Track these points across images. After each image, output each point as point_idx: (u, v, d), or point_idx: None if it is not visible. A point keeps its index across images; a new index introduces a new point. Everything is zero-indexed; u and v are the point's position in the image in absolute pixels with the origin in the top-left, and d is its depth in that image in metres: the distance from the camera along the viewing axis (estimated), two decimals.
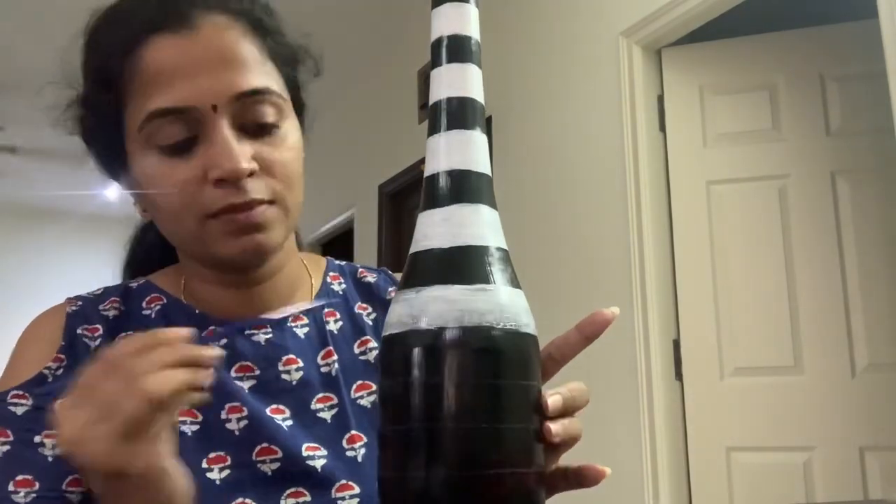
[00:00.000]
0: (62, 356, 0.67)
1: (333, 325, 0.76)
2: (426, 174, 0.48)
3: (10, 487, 0.61)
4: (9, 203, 6.64)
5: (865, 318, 2.41)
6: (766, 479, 2.43)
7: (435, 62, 0.49)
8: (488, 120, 3.39)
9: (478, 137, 0.48)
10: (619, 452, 2.55)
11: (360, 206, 4.66)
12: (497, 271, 0.46)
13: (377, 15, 4.00)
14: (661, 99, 2.70)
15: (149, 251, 0.83)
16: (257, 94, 0.65)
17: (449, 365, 0.43)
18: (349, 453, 0.70)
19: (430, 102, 0.49)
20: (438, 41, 0.48)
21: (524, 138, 3.20)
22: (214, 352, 0.51)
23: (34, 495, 0.61)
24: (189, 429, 0.67)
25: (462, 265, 0.45)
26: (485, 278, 0.45)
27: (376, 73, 4.48)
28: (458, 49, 0.48)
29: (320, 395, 0.71)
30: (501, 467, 0.43)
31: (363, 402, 0.73)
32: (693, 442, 2.51)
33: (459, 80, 0.48)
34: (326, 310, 0.77)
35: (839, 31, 2.58)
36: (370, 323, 0.78)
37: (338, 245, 5.03)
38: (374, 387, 0.74)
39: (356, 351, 0.76)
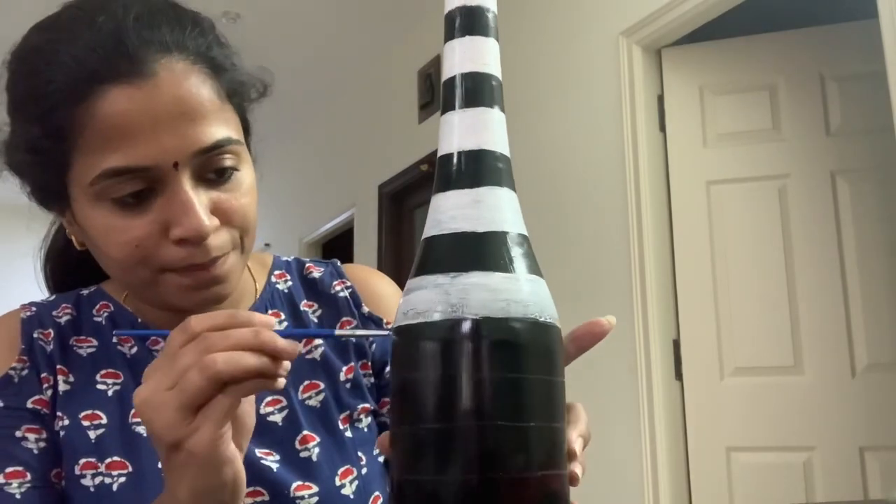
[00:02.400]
0: (24, 358, 0.68)
1: (278, 328, 0.76)
2: (440, 153, 0.45)
3: (2, 479, 0.62)
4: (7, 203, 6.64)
5: (865, 318, 2.41)
6: (766, 479, 2.43)
7: (449, 35, 0.45)
8: None
9: (496, 115, 0.45)
10: (619, 452, 2.55)
11: (360, 206, 4.66)
12: (518, 258, 0.43)
13: (377, 15, 4.00)
14: (661, 99, 2.70)
15: (76, 264, 0.79)
16: (219, 147, 0.62)
17: (468, 358, 0.40)
18: (303, 454, 0.69)
19: (444, 78, 0.45)
20: (452, 14, 0.45)
21: (524, 138, 3.20)
22: (294, 346, 0.48)
23: (27, 485, 0.62)
24: (143, 429, 0.66)
25: (480, 252, 0.42)
26: (505, 266, 0.42)
27: (376, 73, 4.48)
28: (475, 22, 0.44)
29: (269, 399, 0.71)
30: (526, 469, 0.40)
31: (312, 402, 0.73)
32: (693, 442, 2.51)
33: (476, 55, 0.44)
34: (270, 310, 0.76)
35: (839, 31, 2.58)
36: (315, 321, 0.77)
37: (338, 245, 5.03)
38: (322, 386, 0.73)
39: (302, 351, 0.75)
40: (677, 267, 2.60)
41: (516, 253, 0.43)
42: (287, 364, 0.49)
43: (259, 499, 0.66)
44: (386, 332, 0.50)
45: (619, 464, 2.56)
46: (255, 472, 0.66)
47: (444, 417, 0.40)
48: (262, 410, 0.70)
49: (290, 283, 0.79)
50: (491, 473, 0.39)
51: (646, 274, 2.54)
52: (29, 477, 0.63)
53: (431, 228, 0.44)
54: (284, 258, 0.83)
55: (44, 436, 0.65)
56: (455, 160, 0.44)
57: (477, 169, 0.44)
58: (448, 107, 0.45)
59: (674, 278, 2.60)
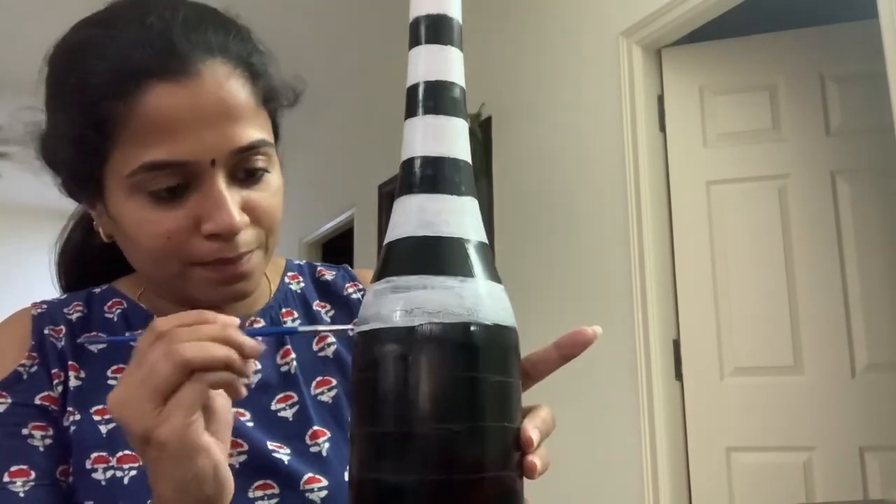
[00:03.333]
0: (34, 354, 0.69)
1: (291, 325, 0.77)
2: (403, 158, 0.46)
3: (6, 478, 0.63)
4: (7, 203, 6.66)
5: (865, 318, 2.41)
6: (766, 479, 2.43)
7: (413, 42, 0.46)
8: (488, 120, 3.39)
9: (459, 124, 0.46)
10: (619, 452, 2.56)
11: (360, 206, 4.66)
12: (476, 264, 0.44)
13: (377, 15, 4.00)
14: (661, 99, 2.70)
15: (92, 261, 0.81)
16: (254, 148, 0.65)
17: (423, 361, 0.41)
18: (313, 449, 0.71)
19: (408, 84, 0.46)
20: (417, 21, 0.46)
21: (524, 138, 3.20)
22: (258, 346, 0.50)
23: (31, 484, 0.63)
24: None
25: (439, 257, 0.43)
26: (463, 271, 0.43)
27: (377, 72, 4.48)
28: (440, 30, 0.46)
29: (280, 395, 0.72)
30: (480, 470, 0.41)
31: (323, 397, 0.74)
32: (693, 442, 2.51)
33: (441, 63, 0.45)
34: (284, 309, 0.78)
35: (839, 31, 2.59)
36: (328, 321, 0.80)
37: (338, 245, 5.04)
38: (335, 382, 0.75)
39: (314, 348, 0.77)
40: (677, 267, 2.60)
41: (475, 259, 0.44)
42: (252, 364, 0.51)
43: (269, 491, 0.67)
44: (347, 327, 0.53)
45: (619, 464, 2.56)
46: (267, 464, 0.68)
47: (401, 419, 0.41)
48: (274, 407, 0.72)
49: (302, 284, 0.82)
50: (446, 474, 0.40)
51: (646, 274, 2.54)
52: (33, 475, 0.63)
53: (393, 233, 0.45)
54: (297, 261, 0.85)
55: (50, 433, 0.66)
56: (417, 166, 0.45)
57: (438, 176, 0.44)
58: (411, 113, 0.46)
59: (674, 278, 2.60)
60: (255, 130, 0.65)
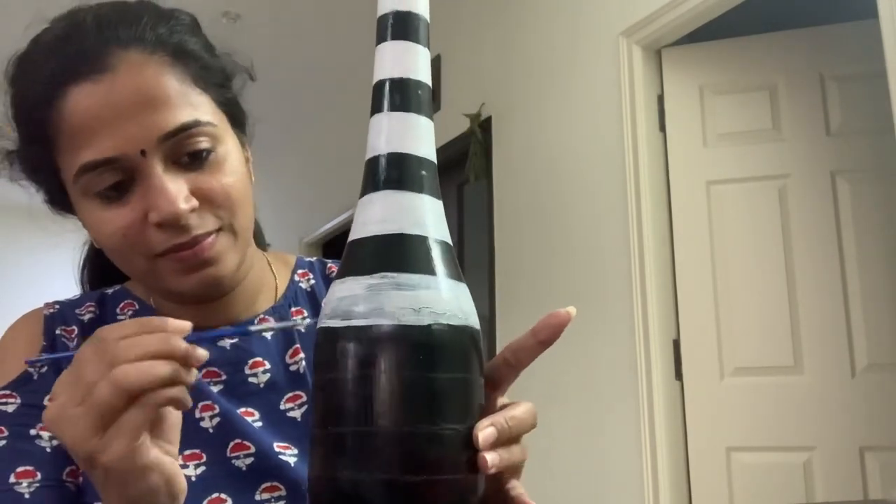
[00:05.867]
0: (45, 355, 0.69)
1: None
2: (367, 156, 0.45)
3: (12, 479, 0.63)
4: (8, 203, 6.65)
5: (865, 318, 2.41)
6: (766, 479, 2.43)
7: (380, 38, 0.46)
8: (488, 120, 3.39)
9: (423, 122, 0.45)
10: (619, 452, 2.56)
11: None
12: (438, 262, 0.43)
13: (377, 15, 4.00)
14: (661, 99, 2.70)
15: (108, 271, 0.82)
16: (185, 130, 0.63)
17: (381, 361, 0.41)
18: None
19: (374, 81, 0.46)
20: (384, 18, 0.46)
21: (524, 138, 3.20)
22: (202, 353, 0.49)
23: (37, 485, 0.63)
24: None
25: (401, 255, 0.43)
26: (425, 270, 0.43)
27: None
28: (406, 27, 0.45)
29: (289, 395, 0.72)
30: (436, 472, 0.41)
31: None
32: (693, 442, 2.51)
33: (407, 60, 0.45)
34: (293, 308, 0.78)
35: (839, 31, 2.58)
36: None
37: (338, 245, 5.03)
38: None
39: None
40: (677, 267, 2.60)
41: (437, 257, 0.43)
42: (195, 372, 0.49)
43: (277, 493, 0.68)
44: (293, 322, 0.52)
45: (619, 464, 2.56)
46: (274, 467, 0.68)
47: (360, 419, 0.41)
48: (283, 407, 0.72)
49: (312, 281, 0.81)
50: (404, 474, 0.40)
51: (646, 274, 2.54)
52: (39, 476, 0.63)
53: (356, 231, 0.45)
54: (308, 259, 0.84)
55: None
56: (381, 164, 0.44)
57: (402, 174, 0.44)
58: (376, 110, 0.45)
59: (674, 278, 2.60)
60: (182, 112, 0.63)
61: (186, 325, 0.50)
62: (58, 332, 0.71)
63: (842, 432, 2.38)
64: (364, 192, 0.45)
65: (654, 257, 2.56)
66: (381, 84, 0.45)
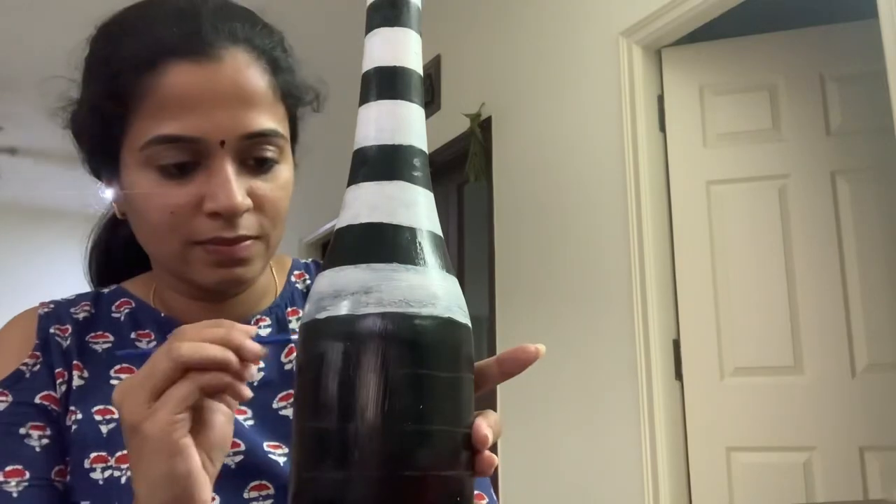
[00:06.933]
0: (37, 353, 0.70)
1: (296, 323, 0.77)
2: (356, 146, 0.44)
3: (1, 478, 0.63)
4: (10, 203, 6.66)
5: (865, 318, 2.41)
6: (766, 479, 2.43)
7: (370, 25, 0.44)
8: (488, 120, 3.39)
9: (414, 110, 0.44)
10: (619, 452, 2.56)
11: None
12: (429, 254, 0.42)
13: None
14: (661, 99, 2.70)
15: (116, 260, 0.84)
16: (264, 136, 0.66)
17: (366, 356, 0.39)
18: None
19: (364, 69, 0.44)
20: (376, 4, 0.44)
21: (524, 138, 3.20)
22: (257, 348, 0.50)
23: (25, 484, 0.63)
24: None
25: (390, 246, 0.41)
26: (415, 261, 0.41)
27: None
28: (398, 13, 0.44)
29: (283, 394, 0.73)
30: (426, 469, 0.39)
31: None
32: (693, 442, 2.51)
33: (398, 47, 0.44)
34: (290, 308, 0.78)
35: (839, 31, 2.58)
36: None
37: None
38: None
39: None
40: (677, 267, 2.60)
41: (427, 249, 0.42)
42: (253, 369, 0.51)
43: (265, 492, 0.68)
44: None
45: (619, 464, 2.56)
46: (263, 465, 0.68)
47: (346, 415, 0.39)
48: (275, 405, 0.72)
49: (308, 282, 0.82)
50: (391, 472, 0.38)
51: (646, 274, 2.54)
52: (28, 475, 0.64)
53: (343, 220, 0.43)
54: (303, 260, 0.85)
55: (48, 433, 0.66)
56: (371, 153, 0.43)
57: (392, 163, 0.43)
58: (365, 98, 0.44)
59: (674, 278, 2.60)
60: (268, 119, 0.66)
61: (252, 329, 0.52)
62: (52, 330, 0.71)
63: (842, 432, 2.38)
64: (352, 181, 0.44)
65: (653, 257, 2.56)
66: (368, 73, 0.44)
